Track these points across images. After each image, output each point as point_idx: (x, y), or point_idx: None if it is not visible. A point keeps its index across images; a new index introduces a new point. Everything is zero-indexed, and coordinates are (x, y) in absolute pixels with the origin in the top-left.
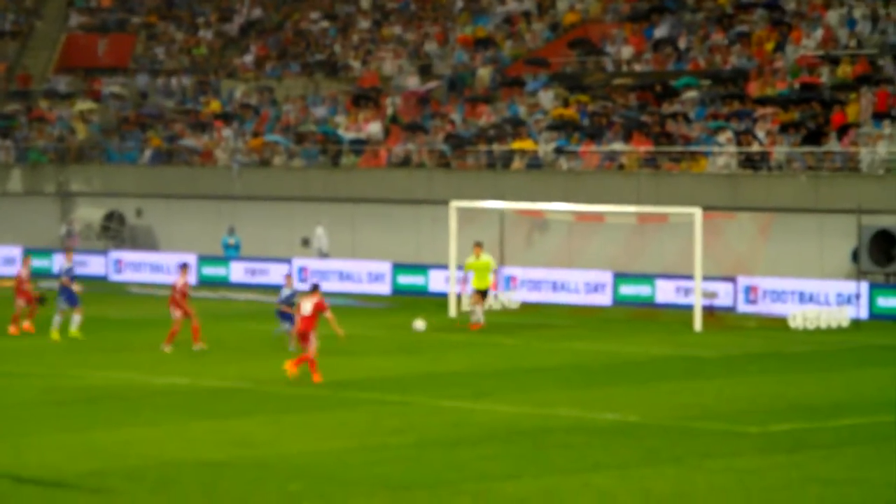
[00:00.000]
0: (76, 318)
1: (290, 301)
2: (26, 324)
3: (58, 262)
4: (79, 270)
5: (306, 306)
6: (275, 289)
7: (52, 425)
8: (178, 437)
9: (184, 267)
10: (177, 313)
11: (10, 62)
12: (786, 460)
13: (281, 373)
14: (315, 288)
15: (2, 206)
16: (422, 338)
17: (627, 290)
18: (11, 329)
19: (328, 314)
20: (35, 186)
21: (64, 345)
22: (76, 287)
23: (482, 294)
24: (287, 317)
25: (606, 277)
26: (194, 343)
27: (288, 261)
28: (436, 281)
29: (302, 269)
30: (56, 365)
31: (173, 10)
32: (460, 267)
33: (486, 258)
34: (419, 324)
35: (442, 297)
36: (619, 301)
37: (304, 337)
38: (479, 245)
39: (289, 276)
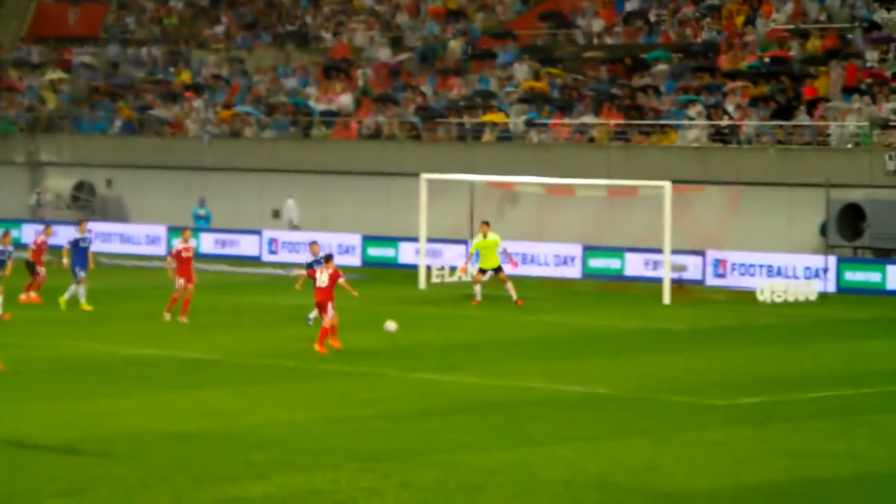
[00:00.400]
0: (81, 290)
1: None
2: (34, 295)
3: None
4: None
5: (322, 277)
6: (245, 260)
7: (24, 395)
8: (149, 407)
9: (185, 231)
10: (180, 280)
11: None
12: (753, 433)
13: (251, 344)
14: (329, 258)
15: None
16: (392, 310)
17: (597, 262)
18: (22, 298)
19: (342, 280)
20: (5, 156)
21: (63, 315)
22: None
23: (495, 271)
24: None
25: (576, 250)
26: (181, 316)
27: (258, 232)
28: (406, 253)
29: (272, 241)
30: (28, 335)
31: None
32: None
33: (494, 237)
34: (391, 325)
35: (412, 270)
36: (588, 274)
37: (322, 307)
38: (486, 224)
39: (314, 244)
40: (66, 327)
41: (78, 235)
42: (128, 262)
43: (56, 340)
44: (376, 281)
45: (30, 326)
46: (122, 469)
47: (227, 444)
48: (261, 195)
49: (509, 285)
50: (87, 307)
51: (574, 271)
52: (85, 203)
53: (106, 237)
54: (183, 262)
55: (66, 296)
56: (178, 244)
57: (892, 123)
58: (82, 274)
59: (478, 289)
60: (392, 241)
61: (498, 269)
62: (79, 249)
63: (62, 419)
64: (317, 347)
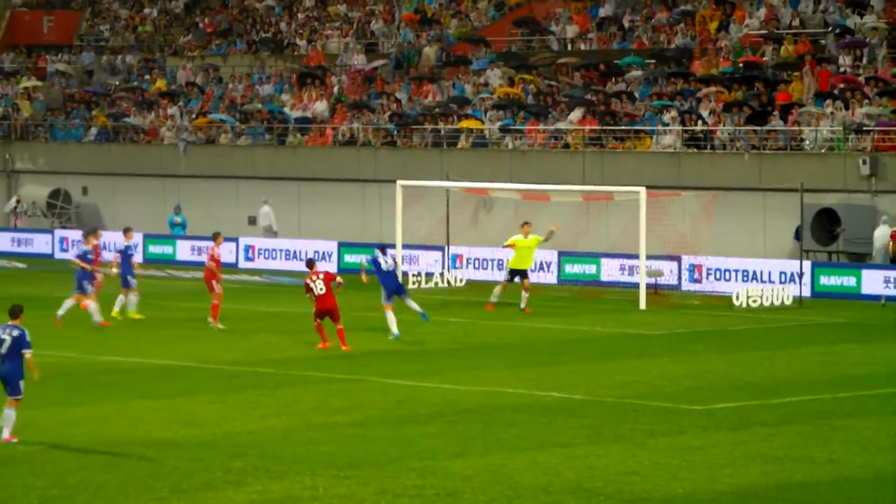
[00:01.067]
0: (133, 299)
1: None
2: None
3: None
4: (23, 249)
5: (319, 285)
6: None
7: None
8: (125, 415)
9: (219, 236)
10: (219, 286)
11: None
12: (729, 438)
13: (229, 352)
14: (312, 263)
15: None
16: (368, 316)
17: (573, 268)
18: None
19: (338, 279)
20: None
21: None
22: (98, 271)
23: (522, 276)
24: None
25: (552, 256)
26: (213, 321)
27: (235, 239)
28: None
29: (249, 248)
30: None
31: None
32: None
33: (535, 237)
34: (394, 328)
35: None
36: (564, 279)
37: (332, 314)
38: (528, 224)
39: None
40: (40, 335)
41: (125, 243)
42: (104, 269)
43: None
44: (353, 287)
45: None
46: (99, 477)
47: (206, 451)
48: (237, 202)
49: (527, 294)
50: (136, 316)
51: (550, 277)
52: (61, 211)
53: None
54: (218, 267)
55: (116, 307)
56: (215, 250)
57: (865, 128)
58: (133, 282)
59: (498, 291)
60: (368, 247)
61: (525, 274)
62: (126, 258)
63: (37, 427)
64: (344, 348)
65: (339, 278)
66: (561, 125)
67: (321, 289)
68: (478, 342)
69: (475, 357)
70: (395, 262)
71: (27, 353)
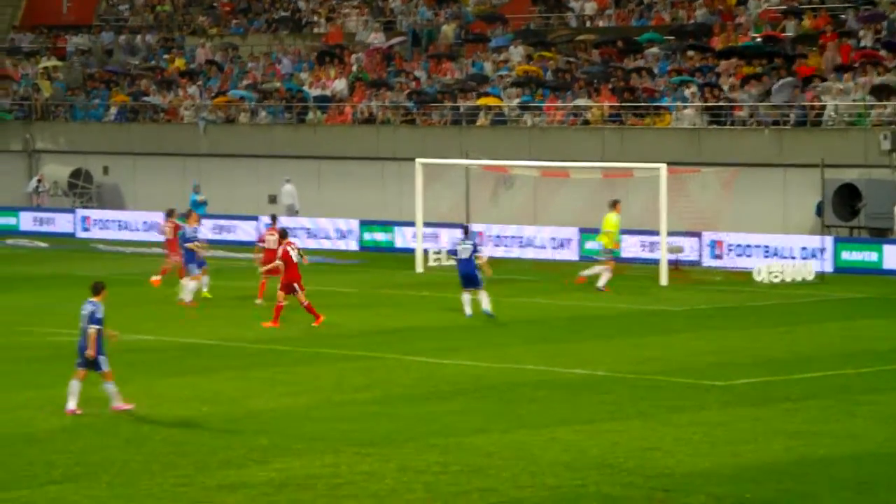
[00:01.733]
0: (204, 279)
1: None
2: (156, 278)
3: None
4: (46, 228)
5: (294, 254)
6: (242, 245)
7: (22, 382)
8: (148, 394)
9: (274, 219)
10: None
11: None
12: (751, 413)
13: (249, 330)
14: (285, 233)
15: None
16: (389, 294)
17: (593, 245)
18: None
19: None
20: (1, 144)
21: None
22: (199, 249)
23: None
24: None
25: (572, 233)
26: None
27: (255, 218)
28: (402, 237)
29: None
30: (25, 323)
31: None
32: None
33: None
34: (467, 308)
35: (408, 254)
36: (585, 256)
37: (298, 285)
38: (618, 202)
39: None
40: (62, 313)
41: (192, 226)
42: (125, 248)
43: (53, 328)
44: (373, 265)
45: (24, 315)
46: (123, 455)
47: (229, 429)
48: (256, 180)
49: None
50: (207, 295)
51: (571, 254)
52: (82, 190)
53: (103, 224)
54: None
55: (204, 289)
56: (265, 231)
57: (889, 89)
58: (196, 271)
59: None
60: (388, 225)
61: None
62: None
63: (60, 405)
64: (317, 322)
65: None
66: (580, 102)
67: (297, 258)
68: (499, 319)
69: (496, 334)
70: (476, 248)
71: (91, 329)
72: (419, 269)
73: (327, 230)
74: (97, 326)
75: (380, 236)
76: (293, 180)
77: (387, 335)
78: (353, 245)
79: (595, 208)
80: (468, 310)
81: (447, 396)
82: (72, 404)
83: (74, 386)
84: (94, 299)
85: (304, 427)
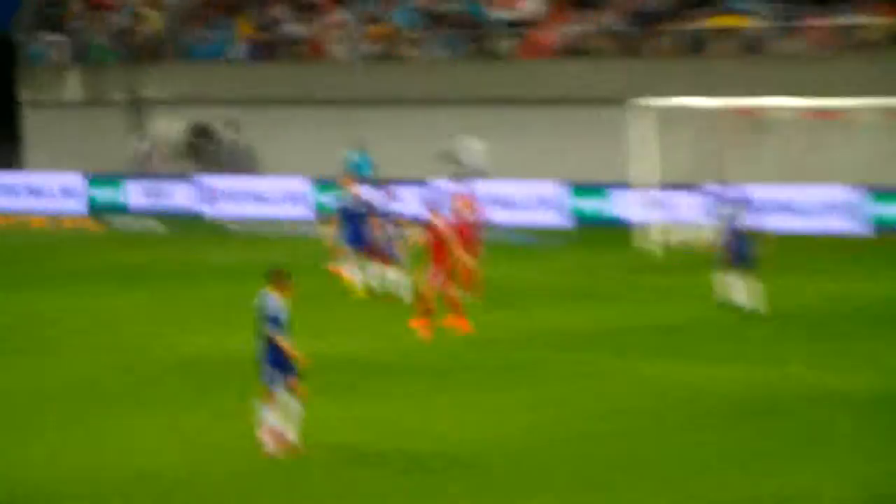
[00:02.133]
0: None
1: None
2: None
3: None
4: (159, 202)
5: None
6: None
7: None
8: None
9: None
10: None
11: None
12: None
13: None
14: None
15: (57, 120)
16: (607, 280)
17: (886, 210)
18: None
19: None
20: (98, 94)
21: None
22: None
23: None
24: None
25: (854, 195)
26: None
27: (423, 182)
28: (623, 205)
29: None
30: (140, 334)
31: None
32: None
33: None
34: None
35: (629, 227)
36: (876, 226)
37: None
38: None
39: None
40: (190, 317)
41: (346, 195)
42: (263, 228)
43: (171, 339)
44: (584, 242)
45: (146, 325)
46: (279, 499)
47: (412, 464)
48: (427, 134)
49: None
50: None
51: (851, 223)
52: (203, 153)
53: (233, 196)
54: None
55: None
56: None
57: None
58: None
59: None
60: (602, 189)
61: None
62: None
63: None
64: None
65: None
66: (853, 19)
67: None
68: (769, 312)
69: (757, 333)
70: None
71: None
72: (648, 246)
73: (525, 199)
74: (280, 334)
75: (593, 204)
76: (476, 133)
77: (601, 337)
78: (558, 217)
79: (885, 161)
80: (737, 297)
81: (728, 417)
82: (268, 438)
83: (266, 414)
84: (273, 293)
85: (539, 462)
